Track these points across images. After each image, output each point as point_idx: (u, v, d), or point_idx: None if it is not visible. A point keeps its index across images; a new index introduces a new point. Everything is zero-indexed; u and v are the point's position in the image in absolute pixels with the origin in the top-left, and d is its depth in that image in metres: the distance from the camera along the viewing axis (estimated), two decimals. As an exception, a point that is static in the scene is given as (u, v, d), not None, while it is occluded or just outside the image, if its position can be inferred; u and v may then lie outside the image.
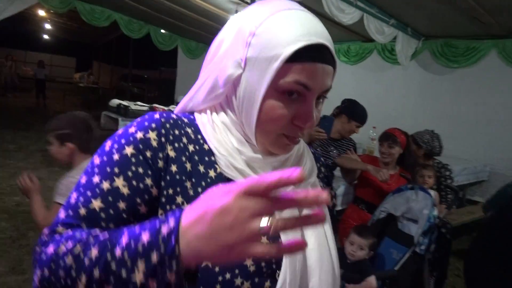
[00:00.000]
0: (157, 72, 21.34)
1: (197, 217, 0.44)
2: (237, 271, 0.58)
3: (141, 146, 0.60)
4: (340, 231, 2.73)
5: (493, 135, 4.99)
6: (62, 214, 0.59)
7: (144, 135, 0.61)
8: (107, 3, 6.83)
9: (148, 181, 0.59)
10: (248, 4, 5.39)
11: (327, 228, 0.70)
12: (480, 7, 4.05)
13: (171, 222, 0.46)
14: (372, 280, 2.01)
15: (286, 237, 0.61)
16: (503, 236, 2.10)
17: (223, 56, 0.63)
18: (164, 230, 0.45)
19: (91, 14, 6.79)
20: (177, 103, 6.34)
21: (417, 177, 2.78)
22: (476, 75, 5.14)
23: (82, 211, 0.57)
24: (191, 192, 0.61)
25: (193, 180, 0.62)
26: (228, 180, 0.63)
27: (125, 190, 0.58)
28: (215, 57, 0.65)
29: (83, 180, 0.61)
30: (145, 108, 6.71)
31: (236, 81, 0.63)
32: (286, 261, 0.60)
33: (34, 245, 0.58)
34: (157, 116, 0.64)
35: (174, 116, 0.66)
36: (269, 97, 0.60)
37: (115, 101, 7.00)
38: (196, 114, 0.69)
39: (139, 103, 7.22)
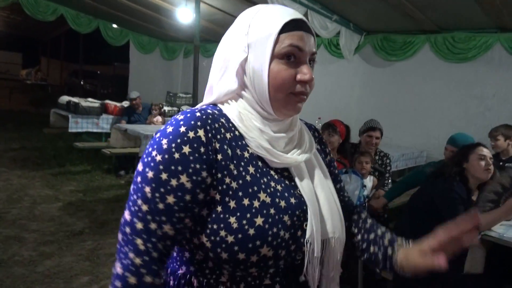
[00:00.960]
0: (110, 67, 20.77)
1: None
2: (280, 226, 0.72)
3: (195, 145, 0.70)
4: None
5: (428, 123, 5.42)
6: (138, 223, 0.70)
7: (195, 134, 0.71)
8: (52, -3, 6.64)
9: (204, 173, 0.71)
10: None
11: (330, 183, 0.87)
12: (409, 4, 4.39)
13: None
14: None
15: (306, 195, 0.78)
16: (425, 205, 2.39)
17: (231, 53, 0.78)
18: None
19: (35, 8, 6.55)
20: (129, 99, 6.31)
21: (356, 163, 3.03)
22: (413, 68, 5.55)
23: (161, 206, 0.69)
24: (235, 172, 0.73)
25: (235, 162, 0.74)
26: (258, 157, 0.77)
27: (188, 185, 0.69)
28: (223, 57, 0.79)
29: (150, 175, 0.70)
30: (96, 105, 6.62)
31: (243, 65, 0.77)
32: (310, 215, 0.76)
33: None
34: (198, 114, 0.74)
35: (209, 111, 0.76)
36: (273, 64, 0.74)
37: (64, 98, 6.84)
38: (220, 106, 0.80)
39: (90, 99, 7.10)
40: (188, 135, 0.70)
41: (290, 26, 0.73)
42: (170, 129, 0.71)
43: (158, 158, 0.69)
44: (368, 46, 5.92)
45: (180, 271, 0.79)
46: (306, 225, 0.76)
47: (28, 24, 12.71)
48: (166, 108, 7.18)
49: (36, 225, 3.54)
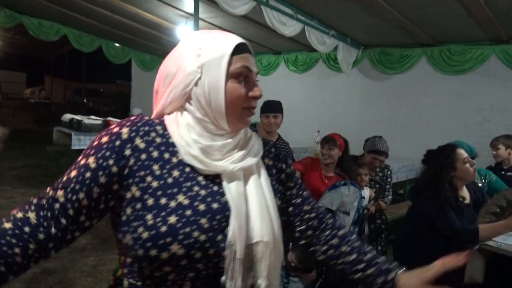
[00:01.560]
0: (113, 85, 21.00)
1: None
2: (194, 227, 0.77)
3: (113, 137, 0.81)
4: None
5: (427, 135, 5.45)
6: (48, 190, 0.84)
7: (119, 130, 0.82)
8: (56, 17, 6.78)
9: (111, 161, 0.80)
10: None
11: (268, 192, 0.88)
12: (405, 19, 4.48)
13: None
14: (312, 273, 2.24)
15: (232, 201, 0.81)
16: (418, 217, 2.40)
17: (182, 73, 0.85)
18: None
19: (39, 29, 6.71)
20: (132, 116, 6.38)
21: (355, 176, 3.06)
22: (410, 80, 5.61)
23: (64, 177, 0.82)
24: (157, 173, 0.81)
25: (160, 163, 0.82)
26: (187, 164, 0.83)
27: (93, 165, 0.80)
28: (175, 76, 0.86)
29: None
30: (98, 122, 6.69)
31: (195, 85, 0.84)
32: (232, 218, 0.79)
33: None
34: (133, 118, 0.87)
35: (147, 117, 0.88)
36: (229, 83, 0.83)
37: (67, 116, 6.92)
38: (165, 116, 0.89)
39: (92, 117, 7.17)
40: (113, 130, 0.82)
41: (239, 49, 0.84)
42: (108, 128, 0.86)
43: (86, 147, 0.85)
44: (366, 60, 6.01)
45: (117, 274, 0.88)
46: (227, 231, 0.79)
47: (32, 44, 12.97)
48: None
49: (39, 242, 3.56)
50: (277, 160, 1.01)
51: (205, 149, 0.82)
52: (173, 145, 0.84)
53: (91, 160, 0.80)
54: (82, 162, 0.81)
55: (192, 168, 0.82)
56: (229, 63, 0.82)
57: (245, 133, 0.91)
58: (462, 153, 2.30)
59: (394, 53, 5.67)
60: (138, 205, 0.77)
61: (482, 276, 2.26)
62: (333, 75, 6.43)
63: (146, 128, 0.84)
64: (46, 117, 13.67)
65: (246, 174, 0.86)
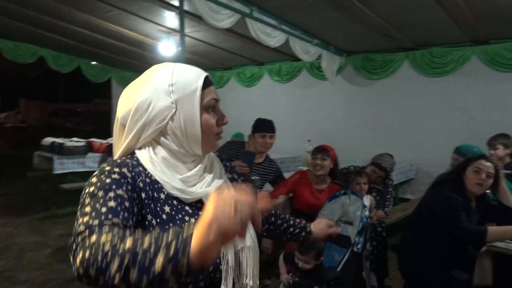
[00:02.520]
0: (91, 104, 20.61)
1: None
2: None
3: (123, 174, 0.85)
4: (287, 244, 2.80)
5: (415, 137, 5.51)
6: (86, 219, 0.76)
7: (120, 170, 0.85)
8: (32, 39, 6.59)
9: (134, 195, 0.84)
10: (177, 31, 5.52)
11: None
12: (387, 24, 4.53)
13: (189, 229, 0.67)
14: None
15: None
16: (427, 217, 2.39)
17: (156, 109, 0.90)
18: (184, 234, 0.67)
19: (14, 51, 6.50)
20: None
21: (353, 185, 3.02)
22: (394, 84, 5.67)
23: (104, 209, 0.76)
24: (154, 211, 0.87)
25: (154, 202, 0.88)
26: (173, 197, 0.91)
27: (125, 196, 0.81)
28: (147, 112, 0.90)
29: (88, 200, 0.79)
30: (81, 144, 6.48)
31: (170, 119, 0.91)
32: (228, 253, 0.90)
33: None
34: (119, 161, 0.89)
35: (128, 160, 0.91)
36: (202, 115, 0.92)
37: (48, 140, 6.68)
38: (137, 152, 0.94)
39: (74, 139, 6.96)
40: (114, 170, 0.84)
41: (205, 82, 0.94)
42: (96, 172, 0.86)
43: (91, 188, 0.81)
44: (350, 67, 6.05)
45: None
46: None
47: (5, 66, 12.58)
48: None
49: (25, 275, 3.38)
50: (232, 172, 1.14)
51: (185, 179, 0.91)
52: (156, 182, 0.90)
53: (120, 191, 0.81)
54: (112, 194, 0.80)
55: (178, 199, 0.91)
56: (201, 97, 0.92)
57: (208, 156, 1.02)
58: (481, 163, 2.31)
59: (377, 59, 5.73)
60: None
61: (491, 277, 2.23)
62: (318, 83, 6.44)
63: (137, 169, 0.89)
64: (23, 142, 13.26)
65: None
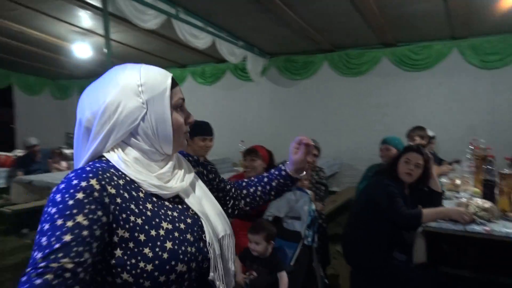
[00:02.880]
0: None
1: None
2: (186, 243, 0.88)
3: (88, 191, 0.79)
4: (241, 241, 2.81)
5: (336, 133, 5.88)
6: (38, 255, 0.71)
7: (87, 183, 0.80)
8: None
9: (100, 213, 0.79)
10: (93, 32, 5.17)
11: (210, 194, 1.05)
12: (311, 28, 4.77)
13: None
14: (283, 276, 2.21)
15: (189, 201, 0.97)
16: (367, 206, 2.57)
17: (125, 110, 0.88)
18: None
19: None
20: (27, 147, 5.61)
21: (295, 181, 3.12)
22: (316, 84, 6.00)
23: (57, 245, 0.72)
24: (137, 211, 0.85)
25: (133, 202, 0.86)
26: (152, 194, 0.91)
27: (85, 223, 0.76)
28: (116, 113, 0.88)
29: (47, 227, 0.74)
30: (-18, 159, 5.72)
31: (142, 120, 0.90)
32: (204, 224, 0.94)
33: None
34: (88, 168, 0.84)
35: (98, 165, 0.87)
36: (172, 114, 0.93)
37: None
38: (107, 156, 0.90)
39: (-27, 154, 6.12)
40: (81, 184, 0.79)
41: (172, 83, 0.95)
42: (62, 185, 0.80)
43: (53, 210, 0.76)
44: (273, 68, 6.24)
45: None
46: (204, 236, 0.93)
47: None
48: (66, 151, 6.53)
49: None
50: (197, 166, 1.17)
51: (159, 176, 0.93)
52: (132, 182, 0.89)
53: (80, 218, 0.76)
54: (70, 224, 0.75)
55: (156, 196, 0.91)
56: (170, 96, 0.93)
57: (176, 157, 1.04)
58: (411, 154, 2.54)
59: (299, 60, 6.00)
60: (131, 244, 0.81)
61: (425, 255, 2.48)
62: (243, 85, 6.54)
63: (107, 174, 0.86)
64: None
65: (191, 186, 1.01)
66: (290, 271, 2.39)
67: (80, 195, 0.78)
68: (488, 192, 2.81)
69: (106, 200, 0.81)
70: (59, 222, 0.74)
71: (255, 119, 6.54)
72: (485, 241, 2.59)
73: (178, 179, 0.97)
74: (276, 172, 1.29)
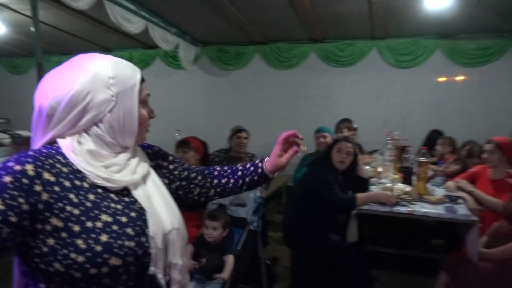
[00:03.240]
0: None
1: None
2: (123, 237, 0.87)
3: (18, 176, 0.79)
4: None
5: (267, 124, 6.07)
6: None
7: (21, 167, 0.80)
8: None
9: (21, 200, 0.79)
10: (8, 7, 4.65)
11: (163, 187, 1.05)
12: (246, 20, 4.86)
13: None
14: (229, 258, 2.30)
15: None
16: (307, 193, 2.77)
17: (94, 100, 0.89)
18: None
19: None
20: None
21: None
22: (248, 75, 6.13)
23: None
24: (76, 200, 0.85)
25: (74, 191, 0.86)
26: (97, 186, 0.90)
27: (1, 207, 0.76)
28: (83, 102, 0.89)
29: None
30: None
31: (109, 111, 0.91)
32: (148, 217, 0.94)
33: None
34: (31, 153, 0.84)
35: (44, 150, 0.87)
36: (139, 109, 0.96)
37: None
38: (60, 141, 0.90)
39: None
40: (14, 168, 0.80)
41: (141, 78, 0.99)
42: (0, 165, 0.82)
43: None
44: (205, 57, 6.22)
45: None
46: (147, 231, 0.93)
47: None
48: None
49: None
50: (156, 158, 1.17)
51: (109, 165, 0.92)
52: (79, 171, 0.88)
53: None
54: None
55: (103, 188, 0.91)
56: (139, 92, 0.95)
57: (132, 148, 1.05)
58: (341, 144, 2.79)
59: (231, 50, 6.06)
60: (64, 234, 0.81)
61: (357, 234, 2.76)
62: (173, 73, 6.41)
63: (50, 161, 0.86)
64: None
65: (143, 179, 1.00)
66: (236, 255, 2.50)
67: (7, 179, 0.78)
68: (407, 177, 3.20)
69: (37, 188, 0.81)
70: None
71: (187, 108, 6.48)
72: (398, 221, 2.98)
73: (129, 171, 0.96)
74: (252, 168, 1.26)
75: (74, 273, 0.80)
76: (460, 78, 5.40)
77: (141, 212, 0.94)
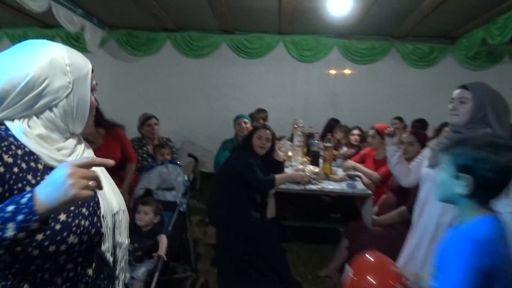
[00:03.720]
0: None
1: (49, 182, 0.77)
2: (80, 217, 0.93)
3: None
4: None
5: (179, 111, 6.15)
6: None
7: None
8: None
9: None
10: None
11: (106, 172, 1.11)
12: (157, 5, 4.83)
13: (27, 196, 0.76)
14: (163, 237, 2.44)
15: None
16: (231, 175, 3.00)
17: (51, 86, 0.92)
18: (23, 200, 0.75)
19: None
20: None
21: (157, 155, 3.30)
22: (159, 62, 6.08)
23: None
24: (33, 182, 0.88)
25: (31, 173, 0.88)
26: (50, 168, 0.91)
27: None
28: (40, 87, 0.91)
29: None
30: None
31: (65, 97, 0.95)
32: (100, 198, 1.02)
33: None
34: None
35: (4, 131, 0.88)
36: (91, 96, 1.02)
37: None
38: (8, 124, 0.91)
39: None
40: None
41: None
42: None
43: None
44: (113, 41, 5.98)
45: None
46: (99, 211, 1.01)
47: None
48: None
49: None
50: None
51: (60, 148, 0.96)
52: (32, 153, 0.90)
53: None
54: None
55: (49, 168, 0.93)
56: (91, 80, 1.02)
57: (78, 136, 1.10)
58: (261, 131, 3.07)
59: (141, 36, 5.93)
60: None
61: (274, 211, 3.11)
62: (77, 56, 6.03)
63: (5, 143, 0.87)
64: None
65: None
66: (168, 235, 2.64)
67: None
68: (315, 160, 3.65)
69: (1, 169, 0.84)
70: None
71: (99, 96, 6.16)
72: (299, 199, 3.44)
73: (78, 155, 1.00)
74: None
75: (33, 250, 0.83)
76: (352, 73, 6.16)
77: (94, 194, 0.94)
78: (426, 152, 2.02)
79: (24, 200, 0.74)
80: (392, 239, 2.73)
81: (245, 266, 2.90)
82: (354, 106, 6.11)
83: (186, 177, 2.95)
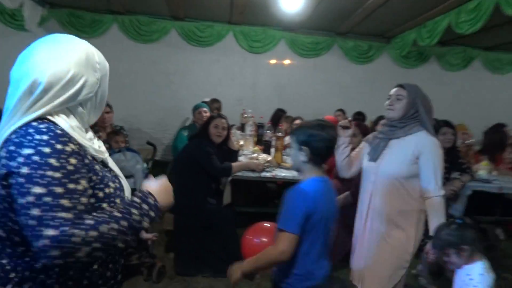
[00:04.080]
0: None
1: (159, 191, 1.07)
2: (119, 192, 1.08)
3: (78, 155, 0.93)
4: None
5: (126, 97, 5.92)
6: (68, 215, 0.84)
7: (72, 148, 0.92)
8: None
9: (86, 172, 0.96)
10: None
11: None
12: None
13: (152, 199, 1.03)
14: None
15: None
16: (189, 162, 3.10)
17: (87, 82, 1.00)
18: (151, 200, 1.02)
19: None
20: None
21: (113, 143, 3.28)
22: (104, 46, 5.51)
23: (80, 207, 0.88)
24: (98, 170, 1.01)
25: (94, 162, 1.01)
26: (92, 157, 1.02)
27: (86, 185, 0.93)
28: (79, 83, 0.98)
29: (59, 190, 0.85)
30: None
31: (94, 94, 1.04)
32: (123, 182, 1.15)
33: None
34: (59, 131, 0.91)
35: (53, 128, 0.92)
36: None
37: None
38: (56, 119, 0.94)
39: None
40: (67, 148, 0.90)
41: None
42: (48, 149, 0.87)
43: (57, 175, 0.86)
44: (54, 21, 5.64)
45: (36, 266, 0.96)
46: (123, 193, 1.13)
47: None
48: None
49: None
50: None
51: (91, 141, 1.05)
52: (80, 145, 0.97)
53: (83, 182, 0.92)
54: (80, 186, 0.90)
55: (93, 158, 1.03)
56: None
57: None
58: (217, 120, 3.18)
59: (85, 17, 5.66)
60: (92, 200, 0.97)
61: (230, 197, 3.27)
62: (13, 34, 5.60)
63: (66, 137, 0.93)
64: None
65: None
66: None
67: (73, 161, 0.90)
68: (266, 149, 3.86)
69: (86, 160, 0.98)
70: (71, 185, 0.88)
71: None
72: (248, 186, 3.64)
73: (97, 146, 1.09)
74: None
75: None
76: (297, 66, 6.44)
77: (117, 177, 1.12)
78: (364, 145, 2.22)
79: (150, 201, 1.00)
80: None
81: (203, 250, 3.04)
82: (299, 97, 6.40)
83: (145, 165, 2.99)
